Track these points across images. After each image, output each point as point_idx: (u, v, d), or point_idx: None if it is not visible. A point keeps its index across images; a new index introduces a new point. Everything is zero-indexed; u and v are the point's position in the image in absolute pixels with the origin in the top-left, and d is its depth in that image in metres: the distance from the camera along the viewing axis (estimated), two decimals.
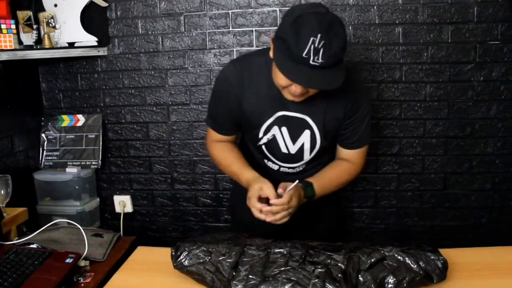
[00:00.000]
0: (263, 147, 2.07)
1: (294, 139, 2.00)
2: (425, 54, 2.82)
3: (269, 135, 2.00)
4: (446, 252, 1.59)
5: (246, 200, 1.85)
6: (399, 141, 2.95)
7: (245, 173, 1.97)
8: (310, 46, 1.57)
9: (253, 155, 2.17)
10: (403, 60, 2.85)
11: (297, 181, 1.85)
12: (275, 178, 1.98)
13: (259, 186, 1.82)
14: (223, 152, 2.09)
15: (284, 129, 1.98)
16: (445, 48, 2.80)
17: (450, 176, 2.97)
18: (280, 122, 1.96)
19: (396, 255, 1.52)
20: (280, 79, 1.72)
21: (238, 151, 2.10)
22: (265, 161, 2.14)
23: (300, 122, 1.95)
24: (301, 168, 2.12)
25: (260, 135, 2.01)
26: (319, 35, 1.56)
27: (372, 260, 1.51)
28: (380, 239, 3.05)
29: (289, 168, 2.11)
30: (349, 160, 2.08)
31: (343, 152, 2.08)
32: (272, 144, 2.03)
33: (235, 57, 2.92)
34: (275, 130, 1.98)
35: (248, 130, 2.09)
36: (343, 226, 2.70)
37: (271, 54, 1.77)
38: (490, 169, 2.94)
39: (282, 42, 1.64)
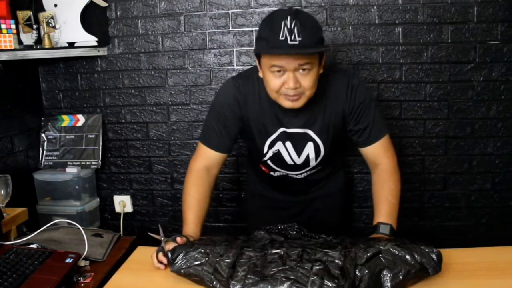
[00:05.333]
0: (269, 161, 2.09)
1: (299, 152, 2.03)
2: (425, 54, 2.82)
3: (274, 149, 2.03)
4: (446, 252, 1.59)
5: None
6: (399, 141, 2.94)
7: (186, 228, 1.94)
8: (284, 29, 1.68)
9: (259, 171, 2.24)
10: (403, 60, 2.85)
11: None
12: (285, 186, 2.22)
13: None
14: (194, 188, 2.02)
15: (288, 143, 2.01)
16: (445, 48, 2.81)
17: (450, 176, 2.97)
18: (283, 137, 1.99)
19: (391, 249, 1.52)
20: (272, 82, 1.79)
21: (207, 197, 2.04)
22: (271, 173, 2.18)
23: (302, 136, 1.98)
24: (308, 173, 2.14)
25: (265, 150, 2.04)
26: (289, 17, 1.68)
27: (368, 254, 1.51)
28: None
29: (296, 174, 2.14)
30: (378, 159, 2.01)
31: (368, 152, 2.02)
32: (278, 157, 2.05)
33: (234, 57, 2.95)
34: (279, 145, 2.01)
35: (252, 147, 2.14)
36: (348, 224, 2.84)
37: (260, 74, 1.87)
38: (490, 169, 2.94)
39: (260, 39, 1.77)
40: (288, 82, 1.75)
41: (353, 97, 1.93)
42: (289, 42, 1.67)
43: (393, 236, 1.81)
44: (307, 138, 1.99)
